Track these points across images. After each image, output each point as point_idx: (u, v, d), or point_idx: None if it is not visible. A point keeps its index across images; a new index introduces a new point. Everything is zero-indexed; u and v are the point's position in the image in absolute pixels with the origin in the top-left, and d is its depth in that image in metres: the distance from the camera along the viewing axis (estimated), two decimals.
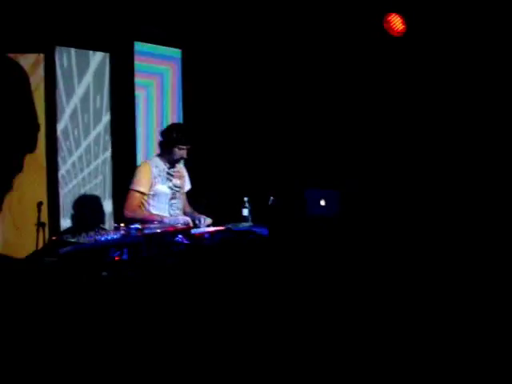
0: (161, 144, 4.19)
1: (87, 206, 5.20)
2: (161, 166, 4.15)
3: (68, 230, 4.92)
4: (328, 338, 3.31)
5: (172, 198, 4.17)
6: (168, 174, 4.17)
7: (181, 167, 4.40)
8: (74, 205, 5.11)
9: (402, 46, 5.69)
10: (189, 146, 4.14)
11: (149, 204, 4.09)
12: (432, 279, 4.10)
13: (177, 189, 4.22)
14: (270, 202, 4.24)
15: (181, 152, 4.10)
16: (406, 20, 5.65)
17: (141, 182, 4.04)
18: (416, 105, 5.61)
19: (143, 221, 3.78)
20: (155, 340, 2.88)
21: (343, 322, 3.45)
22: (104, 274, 3.12)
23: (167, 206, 4.15)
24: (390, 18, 5.74)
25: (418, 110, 5.60)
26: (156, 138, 4.86)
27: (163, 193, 4.13)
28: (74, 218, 5.10)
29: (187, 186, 4.43)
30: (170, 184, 4.17)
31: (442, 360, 3.13)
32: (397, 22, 5.75)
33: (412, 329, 3.46)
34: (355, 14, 5.65)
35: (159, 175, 4.12)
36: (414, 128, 5.55)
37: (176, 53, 5.99)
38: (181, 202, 4.28)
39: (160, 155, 4.20)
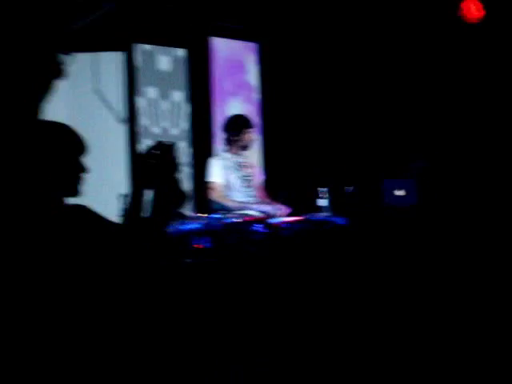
0: (226, 138, 4.28)
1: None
2: (228, 157, 4.25)
3: None
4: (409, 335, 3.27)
5: (245, 187, 4.26)
6: (237, 163, 4.26)
7: (249, 157, 4.47)
8: None
9: (478, 33, 5.54)
10: (254, 128, 4.28)
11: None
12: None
13: (249, 177, 4.30)
14: (346, 192, 4.23)
15: (249, 136, 4.22)
16: (484, 6, 5.50)
17: (215, 173, 4.16)
18: (494, 94, 5.45)
19: (230, 209, 3.92)
20: (232, 324, 2.96)
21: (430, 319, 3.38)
22: (187, 261, 3.23)
23: (241, 194, 4.24)
24: (465, 5, 5.60)
25: (496, 100, 5.44)
26: None
27: (236, 182, 4.22)
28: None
29: (259, 176, 4.50)
30: (241, 173, 4.26)
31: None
32: (472, 9, 5.60)
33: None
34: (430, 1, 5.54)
35: (229, 166, 4.21)
36: (496, 118, 5.39)
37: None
38: (254, 190, 4.35)
39: (225, 150, 4.30)
